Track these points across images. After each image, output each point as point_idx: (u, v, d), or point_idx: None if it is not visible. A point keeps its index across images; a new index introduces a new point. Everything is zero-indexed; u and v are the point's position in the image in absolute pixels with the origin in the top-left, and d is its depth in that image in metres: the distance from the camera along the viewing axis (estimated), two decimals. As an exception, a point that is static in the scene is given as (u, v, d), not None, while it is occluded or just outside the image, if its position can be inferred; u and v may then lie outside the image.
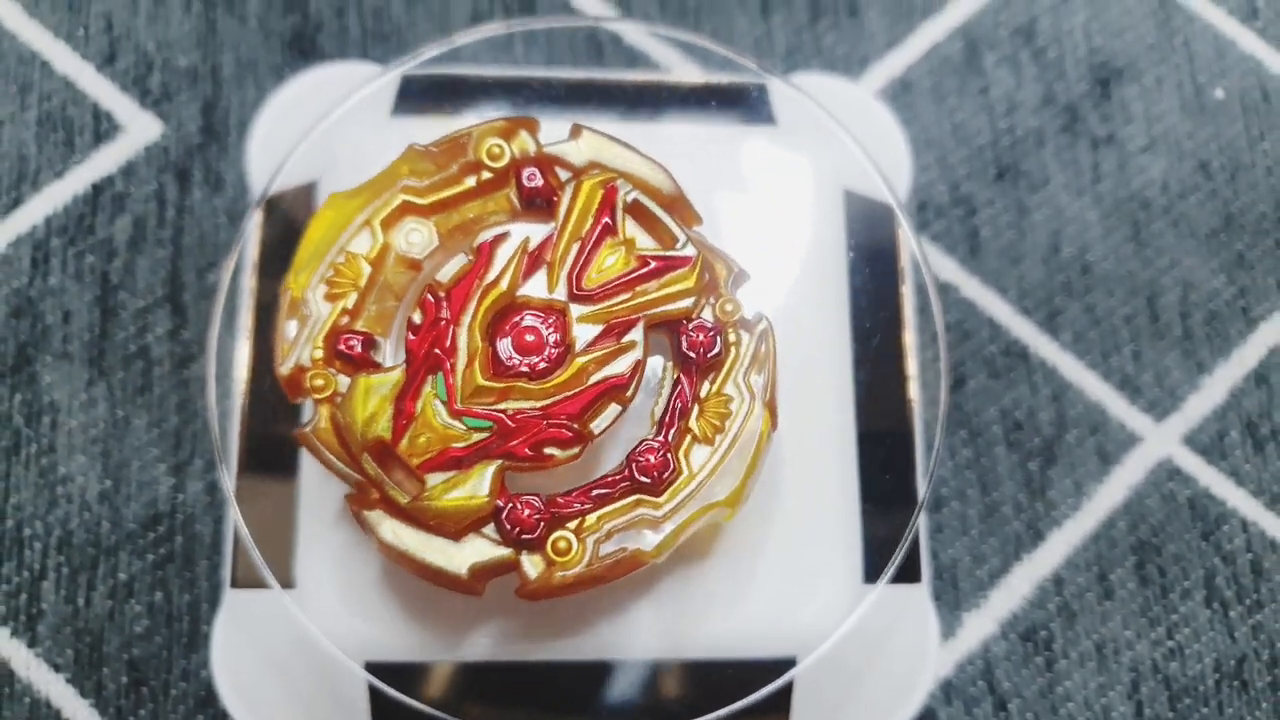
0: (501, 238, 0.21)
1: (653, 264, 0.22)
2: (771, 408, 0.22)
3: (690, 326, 0.22)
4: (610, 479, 0.21)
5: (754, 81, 0.29)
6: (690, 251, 0.21)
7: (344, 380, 0.21)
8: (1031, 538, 0.32)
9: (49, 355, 0.31)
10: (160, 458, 0.30)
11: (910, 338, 0.28)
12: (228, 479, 0.25)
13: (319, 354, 0.21)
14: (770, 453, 0.22)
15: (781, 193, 0.27)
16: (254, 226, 0.26)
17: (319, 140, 0.27)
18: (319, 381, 0.21)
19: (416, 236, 0.22)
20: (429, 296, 0.21)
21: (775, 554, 0.25)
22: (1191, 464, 0.33)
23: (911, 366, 0.29)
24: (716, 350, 0.22)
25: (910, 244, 0.29)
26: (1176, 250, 0.34)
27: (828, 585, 0.25)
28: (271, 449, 0.25)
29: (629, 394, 0.22)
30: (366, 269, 0.21)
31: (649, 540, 0.21)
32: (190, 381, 0.31)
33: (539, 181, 0.22)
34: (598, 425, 0.21)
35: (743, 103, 0.29)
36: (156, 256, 0.31)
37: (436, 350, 0.21)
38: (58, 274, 0.31)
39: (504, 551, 0.20)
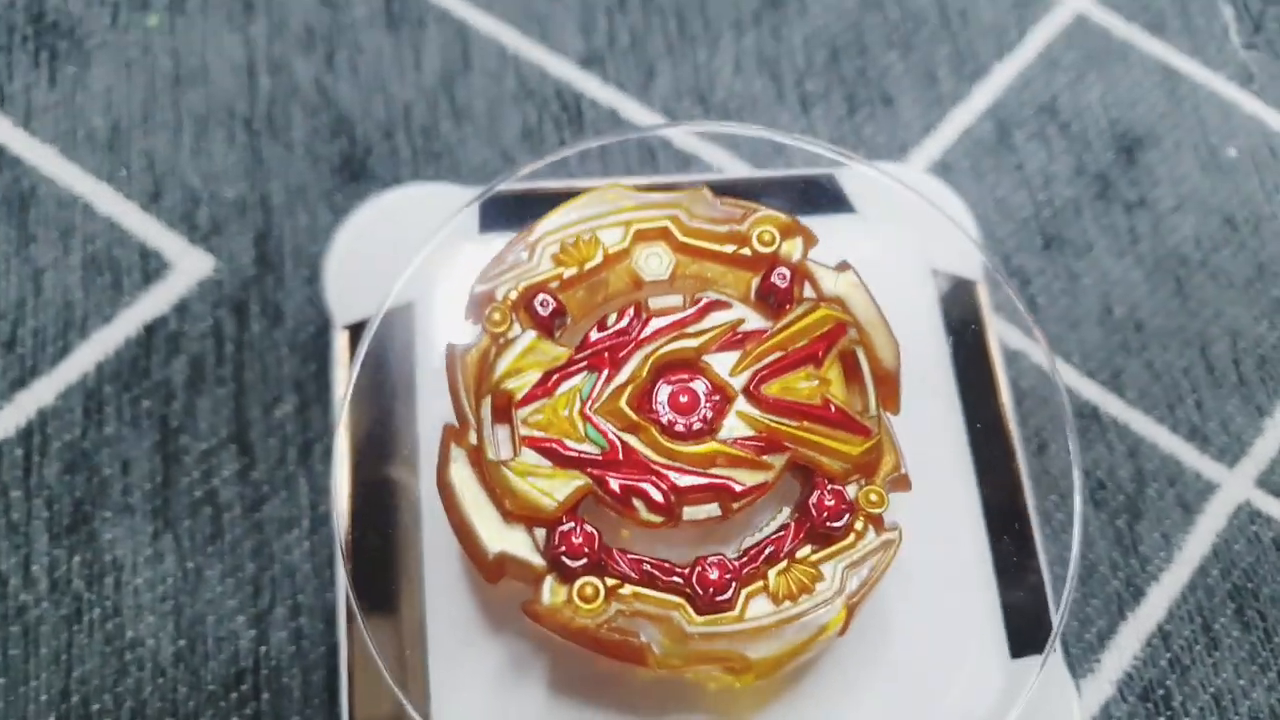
0: (722, 305, 0.20)
1: (834, 410, 0.19)
2: (851, 611, 0.19)
3: (829, 489, 0.19)
4: (668, 566, 0.19)
5: (823, 172, 0.27)
6: (872, 426, 0.20)
7: (518, 331, 0.20)
8: (1132, 595, 0.29)
9: (108, 510, 0.26)
10: (238, 609, 0.25)
11: (1008, 409, 0.26)
12: (350, 599, 0.21)
13: (514, 295, 0.20)
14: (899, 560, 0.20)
15: (877, 279, 0.25)
16: (341, 350, 0.23)
17: (412, 263, 0.24)
18: (497, 316, 0.20)
19: (655, 261, 0.21)
20: (633, 310, 0.20)
21: (915, 645, 0.22)
22: (1269, 505, 0.30)
23: (1015, 437, 0.26)
24: (839, 524, 0.19)
25: (989, 317, 0.26)
26: (1219, 301, 0.33)
27: (976, 666, 0.22)
28: (386, 575, 0.21)
29: (735, 506, 0.19)
30: (599, 257, 0.20)
31: (658, 643, 0.18)
32: (265, 524, 0.26)
33: (785, 283, 0.21)
34: (690, 513, 0.19)
35: (817, 193, 0.27)
36: (218, 395, 0.27)
37: (606, 354, 0.19)
38: (113, 422, 0.27)
39: (536, 560, 0.19)
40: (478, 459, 0.19)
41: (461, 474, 0.19)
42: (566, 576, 0.18)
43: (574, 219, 0.21)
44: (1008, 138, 0.34)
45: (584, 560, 0.18)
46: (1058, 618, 0.22)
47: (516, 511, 0.19)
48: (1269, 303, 0.33)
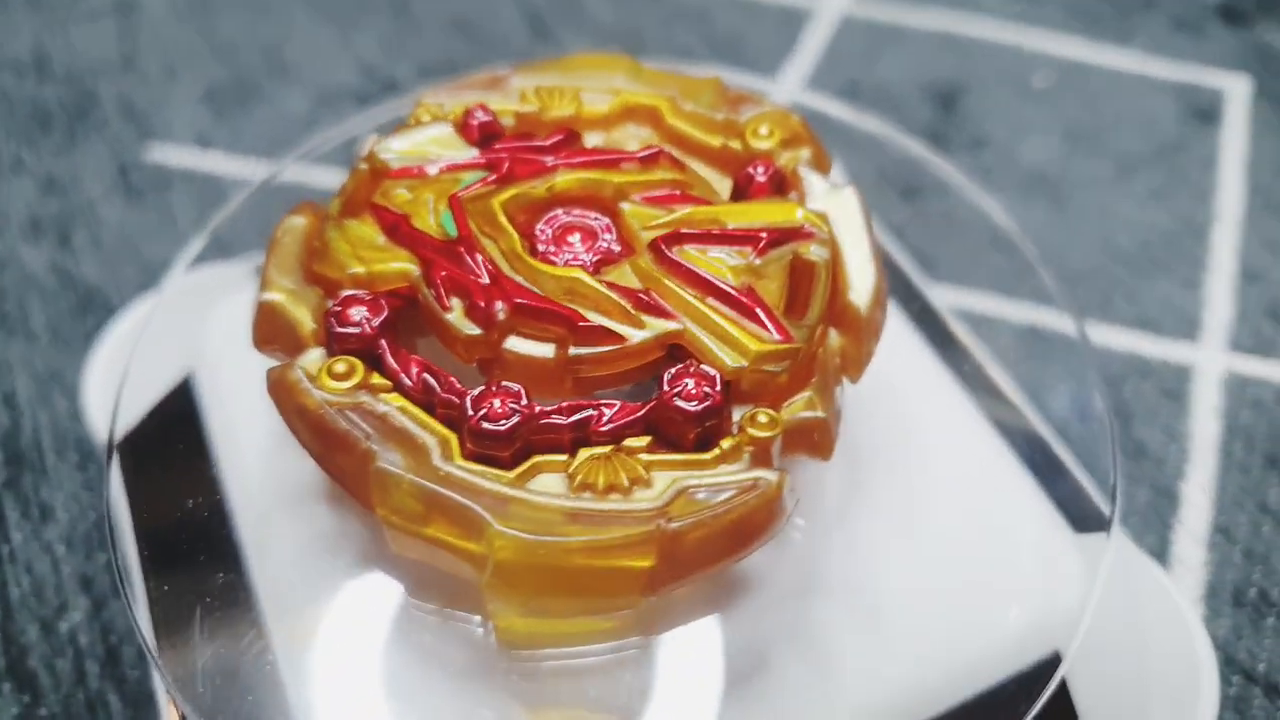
0: (675, 163, 0.18)
1: (749, 297, 0.16)
2: (663, 556, 0.15)
3: (699, 370, 0.15)
4: (452, 382, 0.15)
5: None
6: (796, 337, 0.16)
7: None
8: (1168, 500, 0.26)
9: None
10: None
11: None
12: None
13: (455, 110, 0.18)
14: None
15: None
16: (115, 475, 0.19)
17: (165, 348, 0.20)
18: (426, 117, 0.18)
19: (632, 145, 0.18)
20: (564, 135, 0.18)
21: (972, 546, 0.18)
22: (1252, 366, 0.28)
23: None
24: (690, 411, 0.15)
25: None
26: (1100, 203, 0.33)
27: (1044, 544, 0.18)
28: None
29: (574, 353, 0.15)
30: (569, 112, 0.18)
31: (395, 465, 0.14)
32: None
33: (761, 179, 0.18)
34: (515, 345, 0.15)
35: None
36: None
37: (509, 162, 0.17)
38: None
39: (307, 323, 0.16)
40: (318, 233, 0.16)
41: (295, 226, 0.17)
42: (332, 354, 0.15)
43: (559, 79, 0.19)
44: (823, 125, 0.34)
45: (356, 333, 0.15)
46: (1113, 472, 0.18)
47: (318, 269, 0.16)
48: (1143, 192, 0.33)
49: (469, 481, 0.14)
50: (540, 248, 0.16)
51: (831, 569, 0.17)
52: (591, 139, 0.18)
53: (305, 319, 0.16)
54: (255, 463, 0.18)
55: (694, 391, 0.15)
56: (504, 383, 0.15)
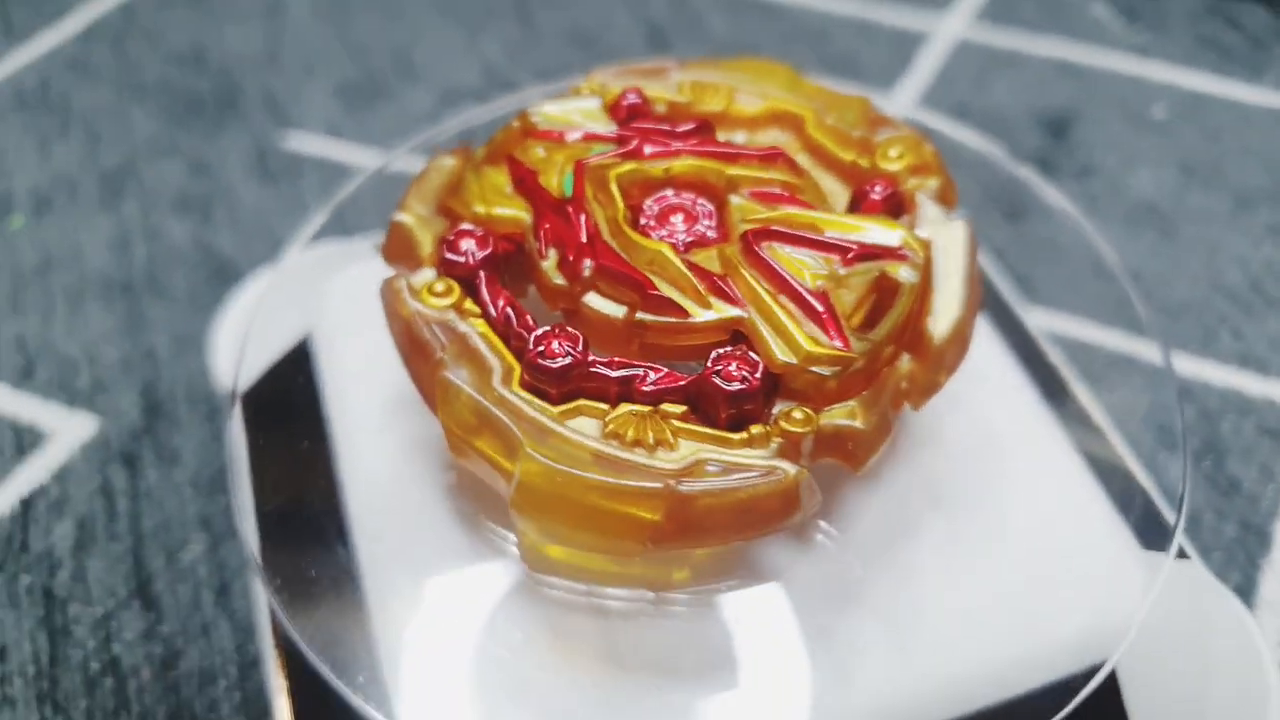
0: (793, 166, 0.18)
1: (821, 300, 0.16)
2: (670, 517, 0.16)
3: (744, 355, 0.16)
4: (528, 320, 0.17)
5: None
6: (855, 347, 0.16)
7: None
8: (1257, 538, 0.26)
9: (-18, 710, 0.22)
10: (156, 793, 0.21)
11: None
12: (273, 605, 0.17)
13: (609, 88, 0.20)
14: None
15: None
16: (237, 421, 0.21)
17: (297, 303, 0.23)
18: (586, 89, 0.20)
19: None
20: (696, 124, 0.19)
21: (1035, 548, 0.18)
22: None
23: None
24: (727, 390, 0.16)
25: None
26: (1210, 237, 0.32)
27: (1108, 555, 0.18)
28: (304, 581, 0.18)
29: (641, 317, 0.17)
30: (719, 107, 0.20)
31: (461, 380, 0.16)
32: (181, 683, 0.23)
33: (877, 197, 0.18)
34: (593, 302, 0.17)
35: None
36: (113, 553, 0.25)
37: (638, 140, 0.19)
38: (-15, 607, 0.24)
39: (427, 243, 0.18)
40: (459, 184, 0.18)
41: (443, 164, 0.19)
42: (439, 276, 0.17)
43: (718, 77, 0.20)
44: (933, 139, 0.35)
45: (461, 261, 0.17)
46: (1183, 483, 0.19)
47: (449, 203, 0.18)
48: (1260, 228, 0.33)
49: (517, 407, 0.15)
50: (643, 221, 0.18)
51: (885, 572, 0.18)
52: (735, 136, 0.20)
53: (427, 242, 0.18)
54: (363, 416, 0.20)
55: (734, 373, 0.16)
56: (568, 328, 0.16)
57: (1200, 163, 0.34)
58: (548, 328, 0.16)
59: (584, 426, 0.16)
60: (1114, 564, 0.19)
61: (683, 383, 0.16)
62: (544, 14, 0.39)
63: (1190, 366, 0.29)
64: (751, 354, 0.16)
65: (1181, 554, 0.21)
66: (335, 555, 0.18)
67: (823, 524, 0.18)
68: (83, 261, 0.31)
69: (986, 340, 0.22)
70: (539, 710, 0.16)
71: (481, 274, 0.17)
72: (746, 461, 0.15)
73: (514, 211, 0.18)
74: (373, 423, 0.20)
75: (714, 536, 0.15)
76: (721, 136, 0.20)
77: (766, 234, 0.17)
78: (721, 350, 0.16)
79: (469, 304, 0.17)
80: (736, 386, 0.15)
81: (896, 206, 0.18)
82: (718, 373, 0.15)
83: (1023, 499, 0.19)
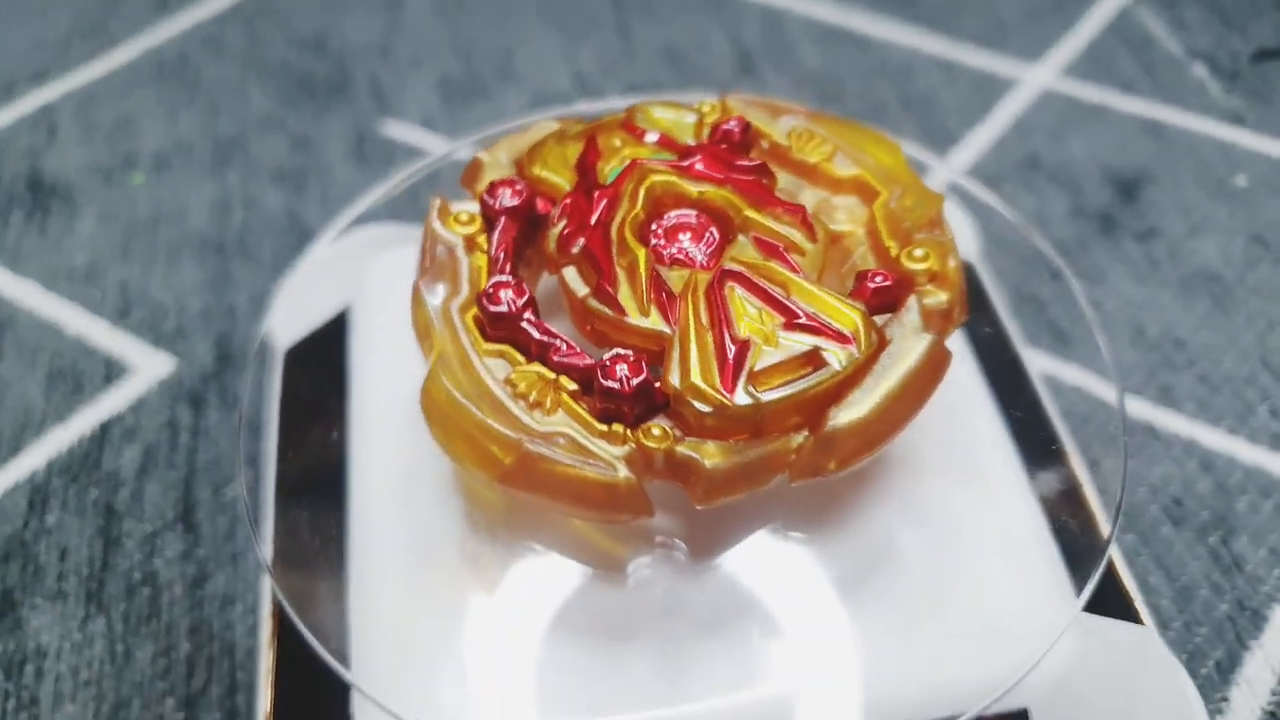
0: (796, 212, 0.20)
1: (730, 363, 0.18)
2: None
3: (633, 363, 0.18)
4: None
5: None
6: (736, 404, 0.18)
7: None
8: (1250, 620, 0.26)
9: (39, 597, 0.26)
10: (168, 691, 0.24)
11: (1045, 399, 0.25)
12: (263, 551, 0.20)
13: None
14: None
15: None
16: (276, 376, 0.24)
17: (341, 275, 0.26)
18: (639, 120, 0.22)
19: (840, 214, 0.21)
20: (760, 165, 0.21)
21: (967, 593, 0.20)
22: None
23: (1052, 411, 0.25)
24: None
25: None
26: (1271, 313, 0.32)
27: (1037, 613, 0.20)
28: (305, 528, 0.21)
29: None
30: (785, 141, 0.22)
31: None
32: (205, 601, 0.26)
33: (873, 286, 0.19)
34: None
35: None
36: (168, 480, 0.28)
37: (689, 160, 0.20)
38: (56, 512, 0.28)
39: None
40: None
41: (542, 127, 0.22)
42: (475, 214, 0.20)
43: (828, 133, 0.21)
44: (995, 190, 0.36)
45: (491, 203, 0.20)
46: (1110, 523, 0.20)
47: (519, 158, 0.21)
48: (1328, 309, 0.33)
49: (455, 331, 0.18)
50: (655, 227, 0.20)
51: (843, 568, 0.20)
52: (818, 192, 0.21)
53: (485, 181, 0.21)
54: (381, 388, 0.23)
55: (616, 373, 0.18)
56: (523, 285, 0.19)
57: (1275, 236, 0.34)
58: (509, 279, 0.19)
59: (495, 367, 0.18)
60: (1035, 613, 0.20)
61: (581, 365, 0.18)
62: (642, 29, 0.42)
63: (1219, 440, 0.29)
64: (645, 365, 0.18)
65: (1134, 618, 0.22)
66: (330, 515, 0.21)
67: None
68: (186, 220, 0.35)
69: (975, 389, 0.23)
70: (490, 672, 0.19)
71: (503, 220, 0.20)
72: (593, 449, 0.17)
73: (561, 180, 0.21)
74: (386, 396, 0.23)
75: (549, 497, 0.17)
76: (809, 194, 0.21)
77: (737, 276, 0.19)
78: (622, 352, 0.18)
79: (481, 239, 0.20)
80: (611, 384, 0.17)
81: (889, 301, 0.19)
82: (604, 368, 0.18)
83: (965, 541, 0.21)
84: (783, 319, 0.18)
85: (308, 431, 0.23)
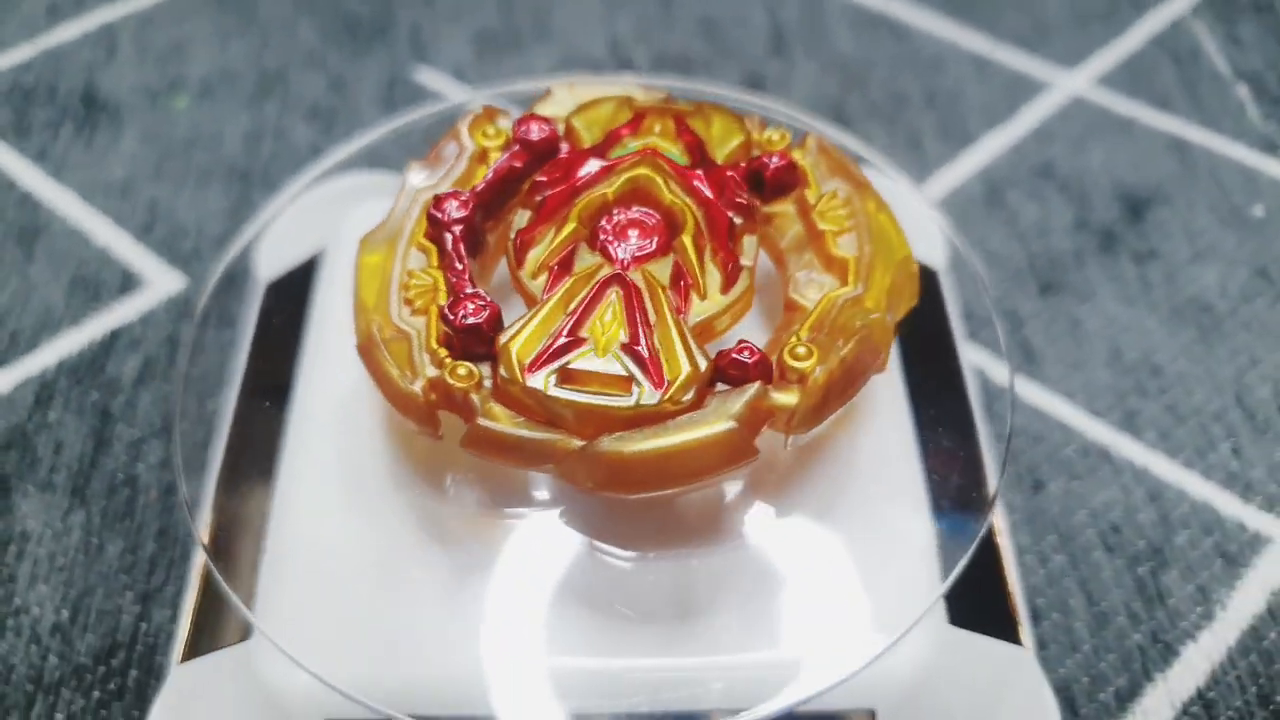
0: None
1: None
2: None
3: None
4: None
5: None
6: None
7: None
8: (1161, 653, 0.26)
9: (31, 485, 0.28)
10: (129, 585, 0.27)
11: (975, 405, 0.25)
12: (182, 485, 0.21)
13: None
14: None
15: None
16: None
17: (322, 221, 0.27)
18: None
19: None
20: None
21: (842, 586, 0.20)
22: (1341, 565, 0.27)
23: (981, 433, 0.25)
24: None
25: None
26: (1256, 349, 0.32)
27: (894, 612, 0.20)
28: (248, 468, 0.22)
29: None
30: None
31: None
32: (175, 507, 0.28)
33: (772, 167, 0.21)
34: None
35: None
36: (161, 392, 0.30)
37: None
38: (58, 410, 0.30)
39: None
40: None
41: (567, 83, 0.22)
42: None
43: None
44: (999, 195, 0.36)
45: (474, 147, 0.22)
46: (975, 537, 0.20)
47: (536, 107, 0.23)
48: (1320, 354, 0.32)
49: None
50: (614, 213, 0.21)
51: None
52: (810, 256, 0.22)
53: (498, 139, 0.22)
54: (338, 327, 0.24)
55: (460, 310, 0.19)
56: (476, 214, 0.21)
57: (1281, 272, 0.33)
58: (468, 195, 0.21)
59: (414, 257, 0.20)
60: (892, 612, 0.20)
61: (457, 290, 0.20)
62: (683, -1, 0.42)
63: (1173, 472, 0.29)
64: (497, 316, 0.19)
65: (1013, 639, 0.22)
66: (267, 449, 0.23)
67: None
68: (220, 146, 0.37)
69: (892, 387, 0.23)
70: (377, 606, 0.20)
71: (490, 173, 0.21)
72: (414, 359, 0.19)
73: (589, 137, 0.22)
74: (339, 335, 0.24)
75: (373, 379, 0.20)
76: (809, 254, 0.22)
77: (627, 285, 0.20)
78: (481, 296, 0.19)
79: (495, 155, 0.22)
80: (449, 314, 0.19)
81: (743, 377, 0.19)
82: (456, 299, 0.19)
83: (841, 531, 0.21)
84: (628, 339, 0.19)
85: (267, 363, 0.25)
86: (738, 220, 0.21)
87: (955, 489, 0.22)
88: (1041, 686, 0.22)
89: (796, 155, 0.22)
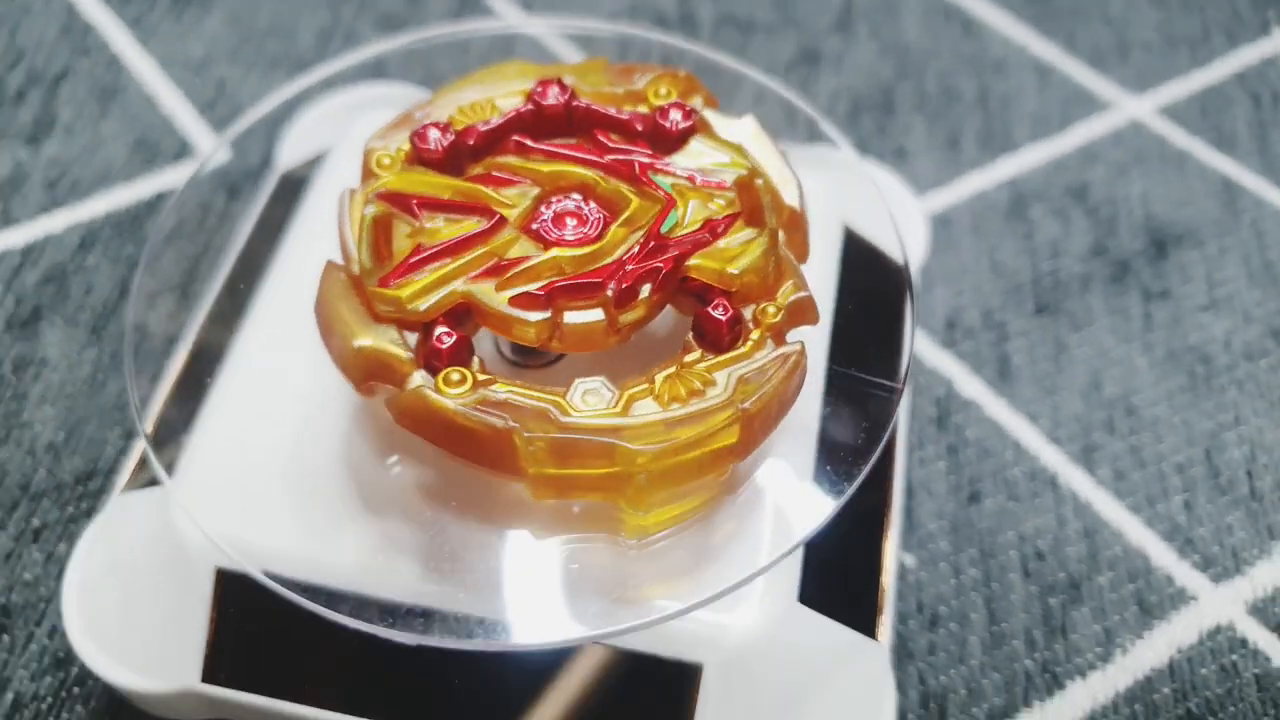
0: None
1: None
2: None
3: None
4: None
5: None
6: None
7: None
8: (1046, 683, 0.26)
9: (59, 318, 0.31)
10: (119, 421, 0.29)
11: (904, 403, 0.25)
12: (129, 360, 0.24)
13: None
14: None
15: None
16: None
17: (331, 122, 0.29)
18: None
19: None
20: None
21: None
22: (1261, 637, 0.27)
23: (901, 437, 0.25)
24: (722, 319, 0.19)
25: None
26: (1243, 409, 0.31)
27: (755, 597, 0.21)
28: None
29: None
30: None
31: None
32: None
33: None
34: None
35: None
36: (187, 253, 0.33)
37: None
38: (97, 256, 0.33)
39: (405, 355, 0.19)
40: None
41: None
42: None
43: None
44: (1023, 208, 0.35)
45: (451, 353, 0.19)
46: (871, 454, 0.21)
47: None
48: (1309, 428, 0.31)
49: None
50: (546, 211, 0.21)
51: None
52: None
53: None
54: (315, 232, 0.26)
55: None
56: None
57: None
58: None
59: (644, 409, 0.19)
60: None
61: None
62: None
63: (1116, 514, 0.29)
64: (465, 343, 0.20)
65: (868, 632, 0.23)
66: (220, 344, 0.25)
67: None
68: (293, 39, 0.39)
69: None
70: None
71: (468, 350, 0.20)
72: (766, 360, 0.19)
73: (577, 85, 0.22)
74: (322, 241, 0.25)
75: (771, 427, 0.20)
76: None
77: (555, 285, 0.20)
78: (448, 333, 0.19)
79: (484, 377, 0.20)
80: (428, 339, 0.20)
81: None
82: (431, 326, 0.20)
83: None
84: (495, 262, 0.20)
85: (251, 258, 0.27)
86: (642, 159, 0.21)
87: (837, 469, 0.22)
88: (885, 681, 0.22)
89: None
